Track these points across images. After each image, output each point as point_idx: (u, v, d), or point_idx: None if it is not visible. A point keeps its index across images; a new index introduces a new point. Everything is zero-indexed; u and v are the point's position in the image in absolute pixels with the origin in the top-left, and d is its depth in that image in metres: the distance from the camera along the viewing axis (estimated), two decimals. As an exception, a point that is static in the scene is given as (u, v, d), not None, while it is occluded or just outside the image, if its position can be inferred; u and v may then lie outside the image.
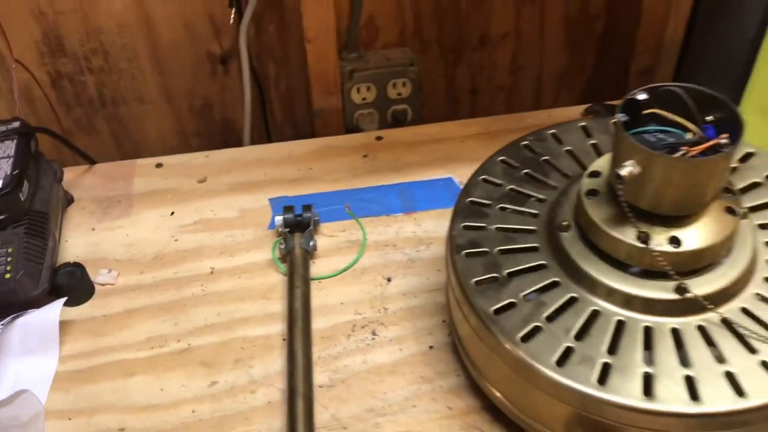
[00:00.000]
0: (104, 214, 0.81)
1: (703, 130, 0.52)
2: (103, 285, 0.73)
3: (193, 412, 0.63)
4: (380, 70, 0.97)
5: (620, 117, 0.52)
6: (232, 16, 0.85)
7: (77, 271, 0.71)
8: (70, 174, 0.85)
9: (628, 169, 0.51)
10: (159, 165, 0.87)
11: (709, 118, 0.53)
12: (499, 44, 1.04)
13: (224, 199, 0.82)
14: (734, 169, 0.64)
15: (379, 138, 0.90)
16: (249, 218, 0.80)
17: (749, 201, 0.61)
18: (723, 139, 0.50)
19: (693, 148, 0.50)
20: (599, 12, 1.03)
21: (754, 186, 0.63)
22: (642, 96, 0.53)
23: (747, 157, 0.65)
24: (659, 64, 0.98)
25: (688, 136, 0.52)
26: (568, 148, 0.68)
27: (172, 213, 0.81)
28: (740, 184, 0.63)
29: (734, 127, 0.51)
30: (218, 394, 0.64)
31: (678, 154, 0.51)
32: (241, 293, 0.72)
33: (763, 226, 0.59)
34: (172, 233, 0.79)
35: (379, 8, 0.96)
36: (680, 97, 0.53)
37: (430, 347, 0.67)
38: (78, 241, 0.78)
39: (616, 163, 0.53)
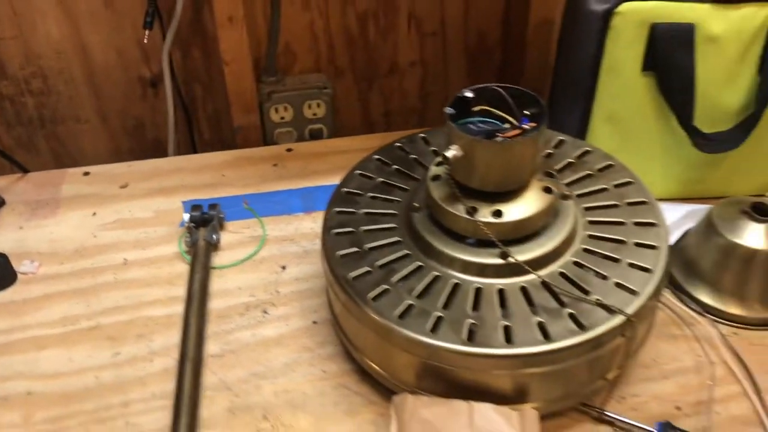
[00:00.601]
0: (32, 215, 0.89)
1: (520, 122, 0.62)
2: (25, 274, 0.81)
3: (96, 377, 0.71)
4: (296, 92, 1.08)
5: (448, 111, 0.62)
6: (146, 35, 0.95)
7: (0, 259, 0.79)
8: (4, 181, 0.94)
9: (452, 152, 0.61)
10: (86, 173, 0.96)
11: (527, 112, 0.63)
12: (407, 72, 1.15)
13: (142, 201, 0.91)
14: (571, 164, 0.75)
15: (289, 150, 1.00)
16: (163, 218, 0.88)
17: (581, 188, 0.72)
18: (529, 126, 0.61)
19: (505, 134, 0.61)
20: (495, 45, 1.15)
21: (587, 177, 0.73)
22: (469, 94, 0.64)
23: (584, 154, 0.76)
24: (545, 86, 1.09)
25: (507, 126, 0.63)
26: (434, 148, 0.78)
27: (94, 214, 0.89)
28: (576, 175, 0.73)
29: (543, 118, 0.62)
30: (120, 363, 0.72)
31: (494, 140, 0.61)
32: (149, 280, 0.81)
33: (588, 209, 0.69)
34: (93, 231, 0.87)
35: (294, 37, 1.07)
36: (503, 95, 0.64)
37: (314, 322, 0.76)
38: (6, 237, 0.86)
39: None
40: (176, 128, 1.08)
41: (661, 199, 0.75)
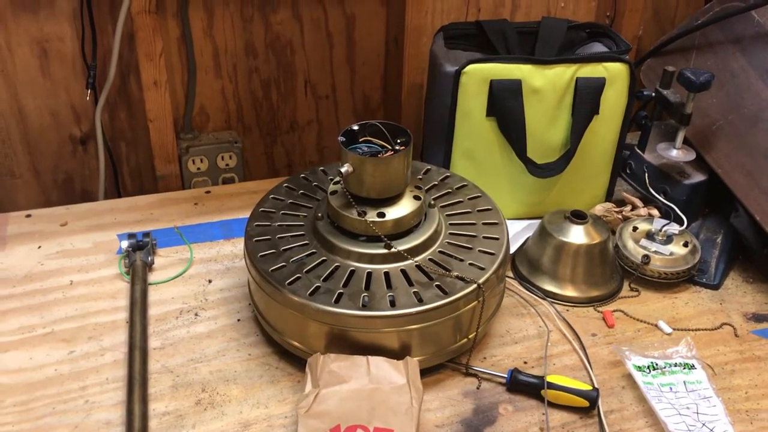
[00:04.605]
0: (-19, 251, 1.02)
1: (394, 146, 0.84)
2: (-20, 297, 0.94)
3: (56, 370, 0.84)
4: (210, 146, 1.26)
5: (341, 139, 0.83)
6: (88, 94, 1.12)
7: (-40, 283, 0.92)
8: (-50, 225, 1.06)
9: (344, 168, 0.81)
10: (28, 215, 1.09)
11: (399, 140, 0.85)
12: (305, 129, 1.37)
13: (82, 236, 1.05)
14: (436, 185, 0.97)
15: (208, 192, 1.17)
16: (101, 248, 1.03)
17: (443, 201, 0.94)
18: (399, 148, 0.82)
19: (383, 155, 0.82)
20: (378, 105, 1.39)
21: (448, 193, 0.96)
22: (355, 127, 0.85)
23: (445, 178, 0.99)
24: (418, 135, 1.33)
25: (384, 150, 0.84)
26: (331, 177, 0.98)
27: (39, 247, 1.03)
28: (440, 192, 0.96)
29: (409, 142, 0.84)
30: (75, 358, 0.86)
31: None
32: (94, 296, 0.95)
33: (449, 215, 0.92)
34: (39, 260, 1.01)
35: (208, 100, 1.26)
36: (381, 129, 0.85)
37: (238, 320, 0.93)
38: (-41, 270, 0.99)
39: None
40: (104, 180, 1.23)
41: (509, 219, 0.98)
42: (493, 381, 0.85)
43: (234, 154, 1.28)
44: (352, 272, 0.83)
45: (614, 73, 1.03)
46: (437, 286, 0.81)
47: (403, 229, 0.85)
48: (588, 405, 0.81)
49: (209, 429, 0.78)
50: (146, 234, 1.02)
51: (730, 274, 1.03)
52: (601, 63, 1.03)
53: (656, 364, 0.85)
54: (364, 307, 0.79)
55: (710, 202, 1.10)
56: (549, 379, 0.82)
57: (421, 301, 0.79)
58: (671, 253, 0.99)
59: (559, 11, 1.34)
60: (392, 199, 0.85)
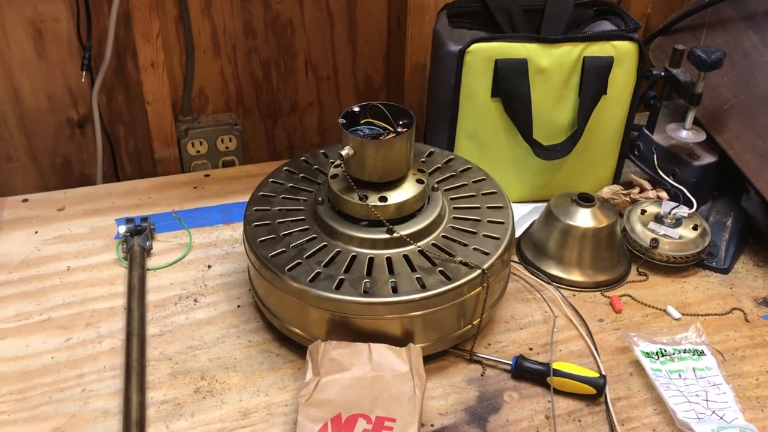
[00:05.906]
0: (-23, 236, 1.00)
1: (396, 128, 0.82)
2: (-23, 284, 0.92)
3: (53, 358, 0.83)
4: (210, 128, 1.24)
5: (341, 121, 0.81)
6: (83, 76, 1.09)
7: (-45, 269, 0.90)
8: (-54, 210, 1.04)
9: (345, 151, 0.79)
10: (25, 200, 1.07)
11: (401, 122, 0.83)
12: (306, 111, 1.34)
13: (79, 221, 1.04)
14: (439, 168, 0.95)
15: (207, 175, 1.15)
16: (99, 233, 1.02)
17: (447, 184, 0.92)
18: (402, 130, 0.80)
19: (385, 137, 0.80)
20: (380, 86, 1.36)
21: (452, 176, 0.93)
22: (356, 109, 0.83)
23: (449, 160, 0.96)
24: (421, 116, 1.30)
25: (386, 132, 0.82)
26: (332, 160, 0.96)
27: (36, 232, 1.01)
28: (444, 175, 0.93)
29: (412, 124, 0.81)
30: (73, 345, 0.84)
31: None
32: (91, 282, 0.93)
33: (453, 198, 0.89)
34: (36, 245, 0.99)
35: (206, 81, 1.24)
36: (383, 110, 0.83)
37: (238, 306, 0.91)
38: (-45, 256, 0.97)
39: (342, 150, 0.81)
40: (102, 163, 1.21)
41: (515, 202, 0.96)
42: (497, 368, 0.83)
43: (234, 137, 1.26)
44: (354, 258, 0.81)
45: (622, 52, 1.00)
46: (440, 271, 0.79)
47: (406, 213, 0.83)
48: (595, 392, 0.79)
49: (208, 417, 0.77)
50: (144, 219, 1.00)
51: (740, 258, 1.01)
52: (609, 41, 1.00)
53: (665, 351, 0.83)
54: (366, 293, 0.77)
55: (720, 184, 1.08)
56: (555, 365, 0.81)
57: (424, 287, 0.77)
58: (680, 237, 0.97)
59: (565, -12, 1.31)
60: (394, 183, 0.83)
